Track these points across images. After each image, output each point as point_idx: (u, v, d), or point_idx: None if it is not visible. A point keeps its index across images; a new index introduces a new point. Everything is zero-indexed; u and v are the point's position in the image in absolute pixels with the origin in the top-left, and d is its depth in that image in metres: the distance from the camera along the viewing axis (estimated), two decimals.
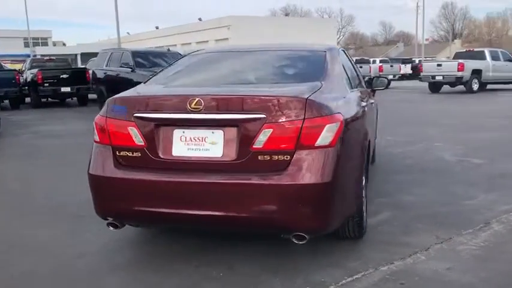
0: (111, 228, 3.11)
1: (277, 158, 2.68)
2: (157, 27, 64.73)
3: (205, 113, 2.74)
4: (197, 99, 2.74)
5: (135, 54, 12.97)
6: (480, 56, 19.63)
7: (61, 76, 16.05)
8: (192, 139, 2.82)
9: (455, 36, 75.83)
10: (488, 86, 20.09)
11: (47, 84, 15.81)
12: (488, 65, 19.20)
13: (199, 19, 58.03)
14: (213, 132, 2.78)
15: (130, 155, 2.91)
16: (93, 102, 15.80)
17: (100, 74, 14.37)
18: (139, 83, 12.31)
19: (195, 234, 3.66)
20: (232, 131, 2.75)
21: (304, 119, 2.66)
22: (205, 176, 2.76)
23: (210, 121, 2.76)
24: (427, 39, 52.05)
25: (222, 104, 2.76)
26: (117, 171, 2.92)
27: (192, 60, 3.89)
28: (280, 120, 2.67)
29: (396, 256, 3.21)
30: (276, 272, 3.02)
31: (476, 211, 4.12)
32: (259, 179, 2.68)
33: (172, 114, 2.82)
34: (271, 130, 2.67)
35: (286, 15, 78.56)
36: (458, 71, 18.42)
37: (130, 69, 12.51)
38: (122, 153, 2.94)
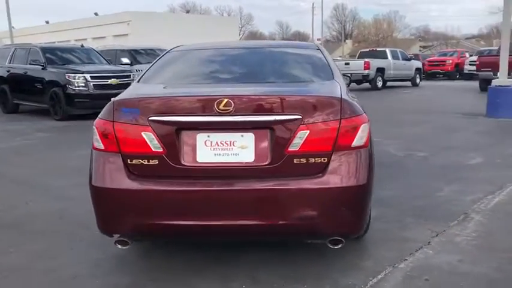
0: (119, 246, 2.77)
1: (314, 160, 2.56)
2: (47, 22, 60.26)
3: (235, 115, 2.54)
4: (226, 100, 2.53)
5: (45, 50, 11.89)
6: (382, 55, 21.01)
7: None
8: (219, 143, 2.59)
9: (347, 37, 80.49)
10: (388, 84, 21.58)
11: None
12: (389, 64, 20.63)
13: (96, 14, 55.05)
14: (242, 136, 2.59)
15: (146, 163, 2.61)
16: None
17: (2, 72, 12.95)
18: (52, 81, 11.48)
19: (194, 246, 3.40)
20: (265, 134, 2.57)
21: (340, 119, 2.58)
22: (236, 182, 2.56)
23: (240, 124, 2.56)
24: (318, 39, 54.50)
25: (254, 104, 2.57)
26: (131, 183, 2.60)
27: (185, 57, 3.60)
28: (316, 121, 2.55)
29: (404, 252, 3.26)
30: (299, 279, 2.90)
31: (450, 203, 4.35)
32: (297, 183, 2.55)
33: (196, 117, 2.57)
34: (308, 132, 2.54)
35: (187, 12, 77.61)
36: (364, 69, 19.55)
37: (41, 67, 11.45)
38: (134, 162, 2.62)
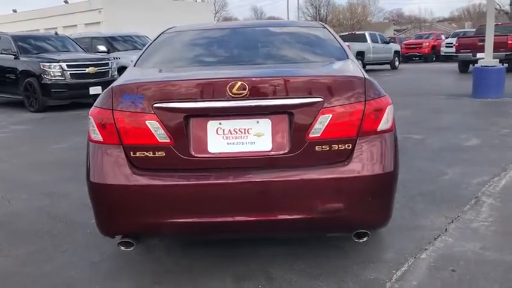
0: (122, 248, 2.50)
1: (337, 147, 2.34)
2: (15, 11, 58.26)
3: (250, 99, 2.28)
4: (240, 82, 2.27)
5: (17, 38, 11.30)
6: (362, 38, 20.88)
7: None
8: (232, 131, 2.34)
9: (322, 21, 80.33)
10: (368, 67, 21.50)
11: None
12: (369, 47, 20.52)
13: (66, 1, 53.43)
14: (258, 122, 2.34)
15: (151, 155, 2.34)
16: None
17: None
18: (26, 71, 10.99)
19: (199, 243, 3.16)
20: (282, 119, 2.33)
21: (365, 101, 2.35)
22: (252, 174, 2.31)
23: (255, 109, 2.31)
24: None
25: (271, 87, 2.31)
26: (136, 177, 2.32)
27: (183, 39, 3.28)
28: (339, 104, 2.32)
29: (423, 241, 3.10)
30: (317, 275, 2.70)
31: (457, 186, 4.20)
32: (319, 173, 2.32)
33: (207, 103, 2.31)
34: (330, 115, 2.31)
35: None
36: None
37: (13, 56, 10.90)
38: (138, 154, 2.35)
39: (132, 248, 2.51)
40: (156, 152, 2.33)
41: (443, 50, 25.27)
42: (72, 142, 6.77)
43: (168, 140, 2.31)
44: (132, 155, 2.35)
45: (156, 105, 2.31)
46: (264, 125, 2.33)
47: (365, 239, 2.49)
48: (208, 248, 3.07)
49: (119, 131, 2.34)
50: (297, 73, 2.48)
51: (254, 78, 2.32)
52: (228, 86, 2.27)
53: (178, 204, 2.33)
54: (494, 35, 10.46)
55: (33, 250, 3.18)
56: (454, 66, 18.41)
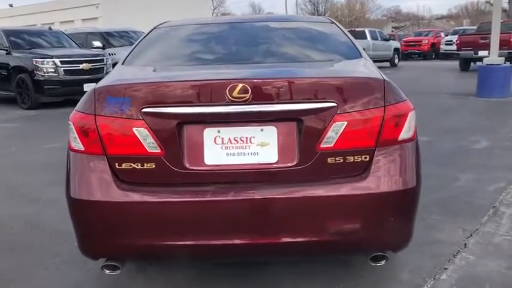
0: (107, 271, 2.21)
1: (352, 159, 2.04)
2: (11, 5, 57.70)
3: (253, 104, 1.99)
4: (241, 85, 1.97)
5: (9, 33, 10.96)
6: (362, 35, 20.53)
7: None
8: (233, 140, 2.04)
9: None
10: None
11: None
12: (369, 44, 20.19)
13: None
14: (262, 130, 2.04)
15: (139, 167, 2.04)
16: None
17: None
18: (18, 67, 10.64)
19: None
20: (290, 127, 2.04)
21: (385, 106, 2.06)
22: (256, 190, 2.02)
23: (259, 115, 2.02)
24: None
25: (277, 90, 2.01)
26: (122, 193, 2.03)
27: (177, 35, 2.96)
28: (355, 109, 2.03)
29: (442, 259, 2.82)
30: None
31: (472, 195, 3.92)
32: (333, 189, 2.02)
33: (203, 108, 2.01)
34: (345, 123, 2.02)
35: None
36: None
37: (5, 51, 10.57)
38: (124, 166, 2.05)
39: (118, 272, 2.21)
40: (145, 164, 2.03)
41: (443, 47, 25.06)
42: (64, 142, 6.33)
43: (159, 150, 2.02)
44: (117, 166, 2.05)
45: (145, 110, 2.01)
46: (269, 134, 2.04)
47: (383, 262, 2.20)
48: (204, 268, 2.78)
49: (102, 139, 2.04)
50: (307, 74, 2.18)
51: (258, 80, 2.02)
52: (228, 88, 1.97)
53: (170, 224, 2.03)
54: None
55: (9, 267, 2.88)
56: (454, 64, 18.15)
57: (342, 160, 2.04)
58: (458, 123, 7.16)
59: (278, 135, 2.04)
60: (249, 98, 1.97)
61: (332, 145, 2.02)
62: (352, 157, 2.04)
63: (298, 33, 2.93)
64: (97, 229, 2.10)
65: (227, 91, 1.97)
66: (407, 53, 27.61)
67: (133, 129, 2.01)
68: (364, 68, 2.33)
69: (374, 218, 2.06)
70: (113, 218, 2.05)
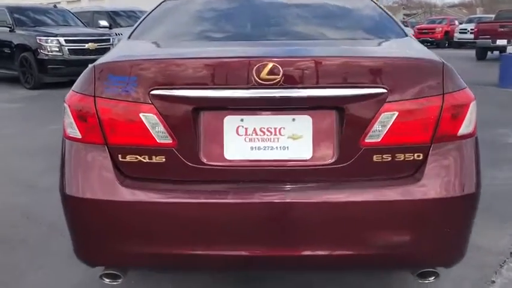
0: (106, 280, 1.88)
1: (403, 157, 1.69)
2: None
3: (285, 88, 1.63)
4: (271, 64, 1.62)
5: (13, 10, 10.62)
6: None
7: None
8: (258, 132, 1.70)
9: None
10: None
11: None
12: None
13: None
14: (294, 120, 1.69)
15: (147, 160, 1.70)
16: None
17: None
18: (21, 45, 10.25)
19: None
20: (329, 117, 1.68)
21: (443, 94, 1.70)
22: (286, 192, 1.68)
23: (291, 101, 1.67)
24: None
25: (314, 72, 1.66)
26: (125, 190, 1.69)
27: (189, 8, 2.59)
28: (409, 97, 1.67)
29: (488, 270, 2.49)
30: None
31: None
32: (379, 193, 1.68)
33: (225, 91, 1.66)
34: (396, 113, 1.66)
35: None
36: None
37: (8, 29, 10.25)
38: (128, 159, 1.71)
39: (119, 281, 1.89)
40: (153, 157, 1.70)
41: (457, 36, 24.49)
42: None
43: (170, 141, 1.68)
44: (120, 159, 1.72)
45: (154, 92, 1.66)
46: (302, 124, 1.69)
47: (431, 279, 1.85)
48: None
49: (103, 126, 1.70)
50: (351, 53, 1.82)
51: (292, 59, 1.66)
52: (255, 68, 1.61)
53: (181, 229, 1.70)
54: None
55: (2, 264, 2.57)
56: (469, 53, 17.67)
57: (390, 158, 1.69)
58: (484, 115, 6.70)
59: (313, 127, 1.68)
60: (279, 81, 1.62)
61: (379, 140, 1.67)
62: (402, 155, 1.69)
63: (331, 6, 2.56)
64: (95, 232, 1.77)
65: (254, 71, 1.61)
66: (420, 41, 26.83)
67: (140, 114, 1.67)
68: (415, 49, 1.97)
69: (427, 228, 1.71)
70: (114, 220, 1.72)
